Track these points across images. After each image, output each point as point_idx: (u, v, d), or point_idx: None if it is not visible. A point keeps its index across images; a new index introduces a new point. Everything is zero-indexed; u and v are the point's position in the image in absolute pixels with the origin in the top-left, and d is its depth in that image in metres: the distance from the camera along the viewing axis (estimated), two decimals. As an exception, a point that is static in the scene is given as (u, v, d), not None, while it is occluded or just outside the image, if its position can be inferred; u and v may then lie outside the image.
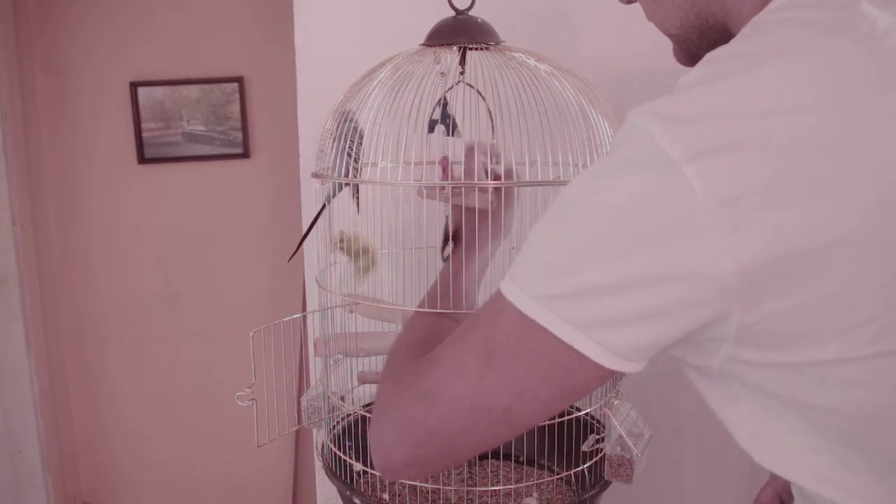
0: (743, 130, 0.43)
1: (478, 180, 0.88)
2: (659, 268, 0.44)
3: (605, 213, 0.46)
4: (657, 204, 0.44)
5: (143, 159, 2.33)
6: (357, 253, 0.99)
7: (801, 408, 0.51)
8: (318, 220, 1.00)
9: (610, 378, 0.51)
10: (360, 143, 0.95)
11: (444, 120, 0.95)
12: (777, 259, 0.43)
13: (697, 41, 0.61)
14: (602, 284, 0.46)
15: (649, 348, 0.48)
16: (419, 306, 0.87)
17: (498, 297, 0.52)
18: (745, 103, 0.44)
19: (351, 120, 0.95)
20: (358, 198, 0.96)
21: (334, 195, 0.98)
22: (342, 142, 0.94)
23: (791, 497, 0.78)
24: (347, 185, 0.96)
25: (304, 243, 1.11)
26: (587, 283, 0.46)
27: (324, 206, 1.00)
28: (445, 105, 0.95)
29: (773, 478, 0.80)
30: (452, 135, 0.97)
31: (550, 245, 0.50)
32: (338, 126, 0.95)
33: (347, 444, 1.07)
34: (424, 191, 0.92)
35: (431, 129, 0.95)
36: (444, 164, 0.91)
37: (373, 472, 1.02)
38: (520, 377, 0.50)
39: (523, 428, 0.54)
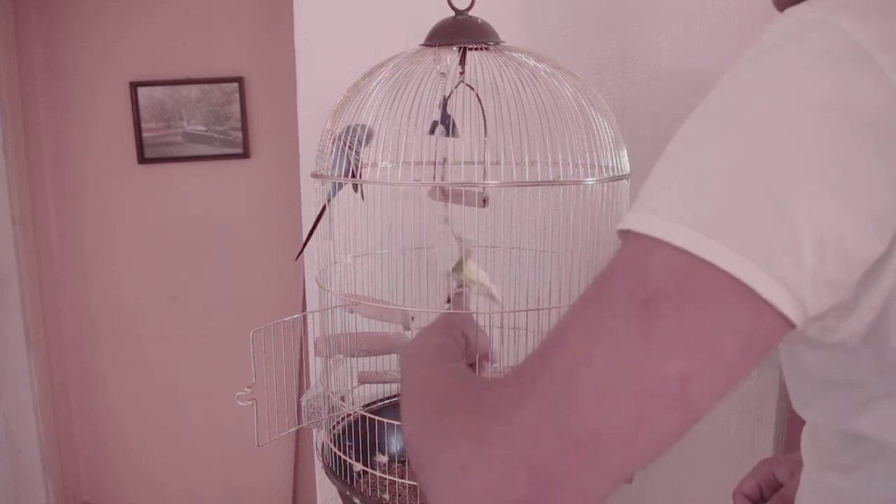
0: None
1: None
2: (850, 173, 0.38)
3: (786, 114, 0.39)
4: (850, 101, 0.38)
5: (143, 159, 2.33)
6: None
7: None
8: (320, 220, 1.01)
9: (789, 331, 0.40)
10: (361, 143, 0.95)
11: (444, 120, 0.95)
12: None
13: None
14: (783, 196, 0.37)
15: (833, 284, 0.39)
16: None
17: (635, 241, 0.41)
18: None
19: (362, 126, 0.95)
20: (361, 188, 0.97)
21: (334, 194, 0.98)
22: (343, 140, 0.94)
23: (773, 490, 0.76)
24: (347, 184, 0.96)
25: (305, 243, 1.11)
26: (764, 196, 0.38)
27: (325, 207, 1.00)
28: (445, 105, 0.95)
29: (756, 469, 0.79)
30: (451, 135, 0.97)
31: (707, 159, 0.40)
32: (346, 131, 0.95)
33: (347, 444, 1.06)
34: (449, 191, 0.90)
35: (432, 131, 0.96)
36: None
37: (373, 472, 1.02)
38: (698, 326, 0.38)
39: (702, 412, 0.40)
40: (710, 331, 0.38)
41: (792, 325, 0.39)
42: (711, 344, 0.38)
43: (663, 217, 0.39)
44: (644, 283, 0.39)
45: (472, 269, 0.95)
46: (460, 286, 0.95)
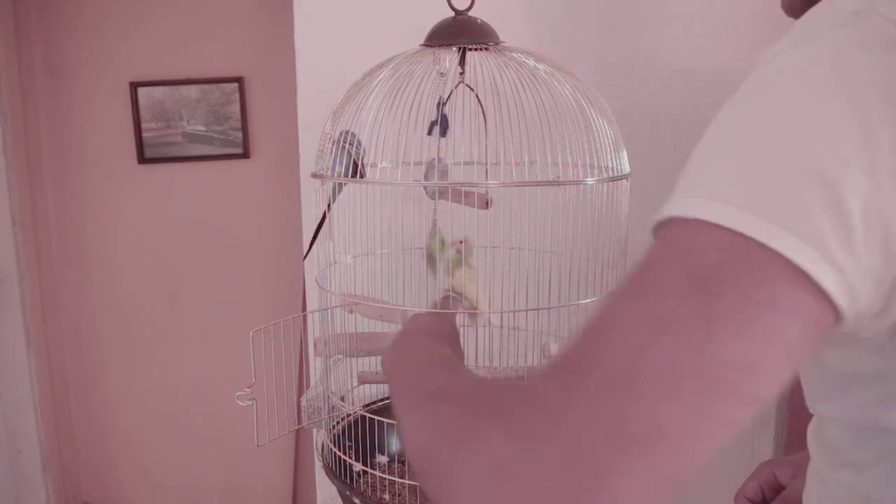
0: None
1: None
2: None
3: (838, 99, 0.38)
4: None
5: (143, 159, 2.34)
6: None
7: None
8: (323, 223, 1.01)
9: (840, 316, 0.38)
10: (361, 142, 0.95)
11: (440, 122, 0.95)
12: None
13: None
14: (833, 178, 0.36)
15: (876, 277, 0.38)
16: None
17: (682, 226, 0.38)
18: None
19: (350, 133, 0.95)
20: (363, 173, 0.96)
21: (334, 198, 0.98)
22: (343, 138, 0.94)
23: (775, 492, 0.76)
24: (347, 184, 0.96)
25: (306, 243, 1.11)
26: (811, 176, 0.36)
27: (325, 213, 1.00)
28: (439, 105, 0.95)
29: (757, 471, 0.79)
30: (444, 134, 0.97)
31: (753, 143, 0.39)
32: (343, 134, 0.95)
33: (347, 444, 1.06)
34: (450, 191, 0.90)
35: (430, 132, 0.96)
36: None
37: (373, 472, 1.02)
38: (758, 309, 0.36)
39: (761, 400, 0.37)
40: (776, 313, 0.36)
41: (838, 311, 0.37)
42: (777, 328, 0.36)
43: (712, 199, 0.37)
44: (700, 265, 0.37)
45: (460, 279, 0.94)
46: (452, 292, 0.94)
